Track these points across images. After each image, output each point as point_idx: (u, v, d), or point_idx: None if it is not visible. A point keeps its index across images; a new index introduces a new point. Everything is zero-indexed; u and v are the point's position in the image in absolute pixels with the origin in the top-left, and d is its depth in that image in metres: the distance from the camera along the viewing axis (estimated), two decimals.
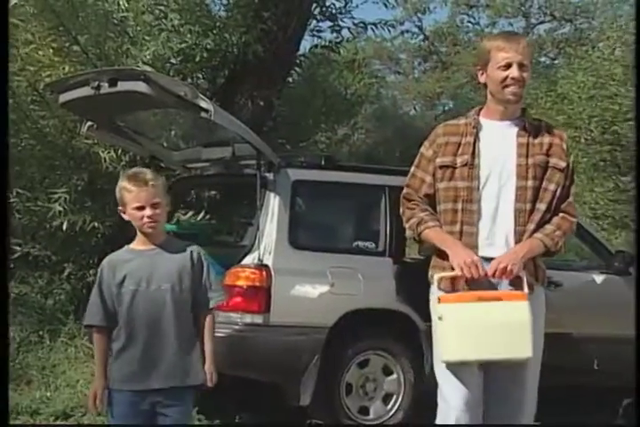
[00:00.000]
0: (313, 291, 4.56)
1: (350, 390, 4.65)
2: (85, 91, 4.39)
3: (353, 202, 5.26)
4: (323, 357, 4.47)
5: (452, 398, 3.06)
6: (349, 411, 4.62)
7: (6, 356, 3.72)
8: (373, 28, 8.20)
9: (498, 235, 3.06)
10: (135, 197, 2.92)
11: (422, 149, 3.23)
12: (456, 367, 3.04)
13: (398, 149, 14.03)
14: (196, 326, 3.00)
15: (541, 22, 21.49)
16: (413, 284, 3.77)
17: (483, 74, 3.12)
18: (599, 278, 5.32)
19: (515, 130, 3.11)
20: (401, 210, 3.26)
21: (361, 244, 4.88)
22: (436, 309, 3.06)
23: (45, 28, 6.01)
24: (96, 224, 6.05)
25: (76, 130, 5.93)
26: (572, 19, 20.55)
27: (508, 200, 3.05)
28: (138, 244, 3.02)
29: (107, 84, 4.27)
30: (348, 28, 8.05)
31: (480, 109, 3.19)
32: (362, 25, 8.13)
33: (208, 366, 3.00)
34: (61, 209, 5.88)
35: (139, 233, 3.00)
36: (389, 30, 8.65)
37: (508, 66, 3.03)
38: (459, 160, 3.09)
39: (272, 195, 4.63)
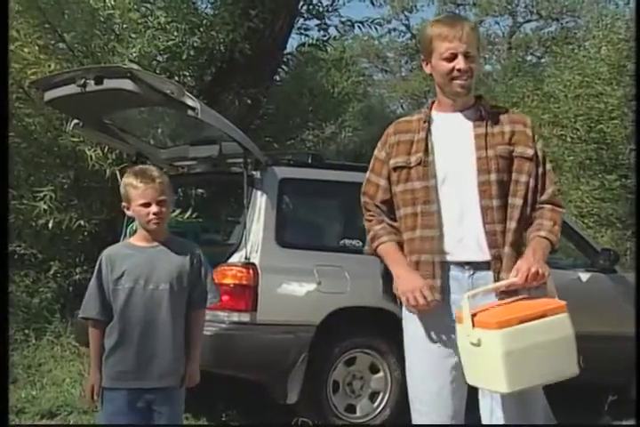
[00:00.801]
0: (300, 289, 4.56)
1: (337, 388, 4.66)
2: (71, 88, 4.36)
3: (340, 200, 5.26)
4: (309, 355, 4.47)
5: (428, 413, 2.83)
6: (336, 409, 4.62)
7: (6, 357, 3.68)
8: (360, 26, 8.21)
9: (467, 236, 2.77)
10: (142, 193, 2.89)
11: (375, 152, 2.96)
12: (433, 383, 2.80)
13: None
14: (187, 325, 2.98)
15: (528, 21, 21.66)
16: None
17: (427, 64, 2.83)
18: (585, 276, 5.34)
19: (470, 121, 2.83)
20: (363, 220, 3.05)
21: (348, 242, 4.88)
22: (469, 332, 2.63)
23: (31, 25, 5.98)
24: (82, 222, 6.03)
25: (62, 128, 5.90)
26: (559, 17, 20.70)
27: (472, 197, 2.77)
28: (139, 239, 2.98)
29: (93, 82, 4.25)
30: (336, 27, 8.07)
31: (433, 103, 2.92)
32: (349, 23, 8.15)
33: (193, 365, 2.97)
34: (47, 207, 5.85)
35: (140, 229, 2.98)
36: (377, 29, 8.64)
37: (453, 57, 2.75)
38: (413, 159, 2.82)
39: (259, 193, 4.63)
